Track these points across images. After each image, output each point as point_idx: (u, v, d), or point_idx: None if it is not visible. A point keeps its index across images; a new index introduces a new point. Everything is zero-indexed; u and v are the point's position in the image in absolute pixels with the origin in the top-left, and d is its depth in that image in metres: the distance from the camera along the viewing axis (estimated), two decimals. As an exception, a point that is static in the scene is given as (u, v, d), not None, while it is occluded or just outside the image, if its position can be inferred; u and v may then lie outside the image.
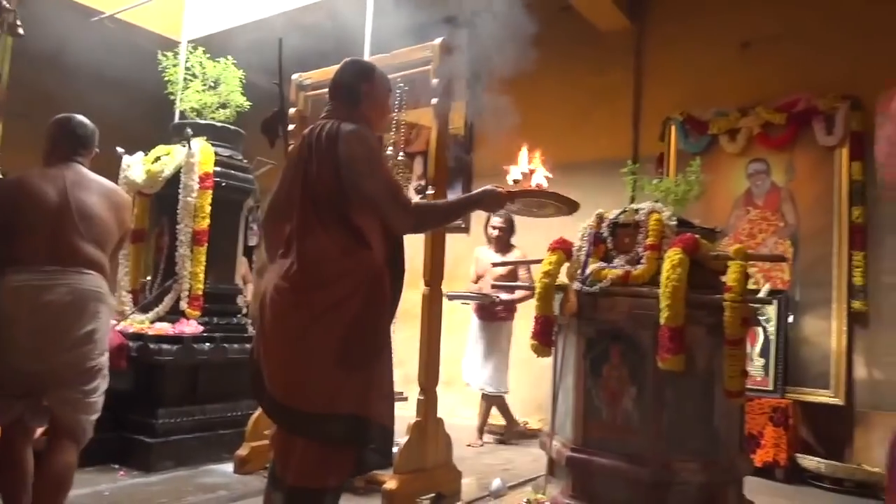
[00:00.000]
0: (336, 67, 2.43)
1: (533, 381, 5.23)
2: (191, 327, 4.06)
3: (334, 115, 2.25)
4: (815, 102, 4.72)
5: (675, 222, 2.76)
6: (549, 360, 2.99)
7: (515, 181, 2.49)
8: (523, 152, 2.60)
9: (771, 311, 4.65)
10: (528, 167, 2.57)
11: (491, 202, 2.31)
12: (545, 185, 2.52)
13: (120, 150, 4.46)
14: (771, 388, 4.53)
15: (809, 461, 4.22)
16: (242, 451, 3.71)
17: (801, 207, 4.80)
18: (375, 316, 2.11)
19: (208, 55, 4.65)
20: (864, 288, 4.49)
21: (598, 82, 5.67)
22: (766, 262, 4.80)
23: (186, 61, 4.71)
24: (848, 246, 4.56)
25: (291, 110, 3.96)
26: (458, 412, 5.59)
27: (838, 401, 4.43)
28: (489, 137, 5.98)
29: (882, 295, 4.44)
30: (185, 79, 4.66)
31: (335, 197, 2.11)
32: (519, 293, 4.77)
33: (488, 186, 2.30)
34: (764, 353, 4.63)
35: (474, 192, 2.34)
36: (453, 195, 6.03)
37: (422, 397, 3.37)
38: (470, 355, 5.05)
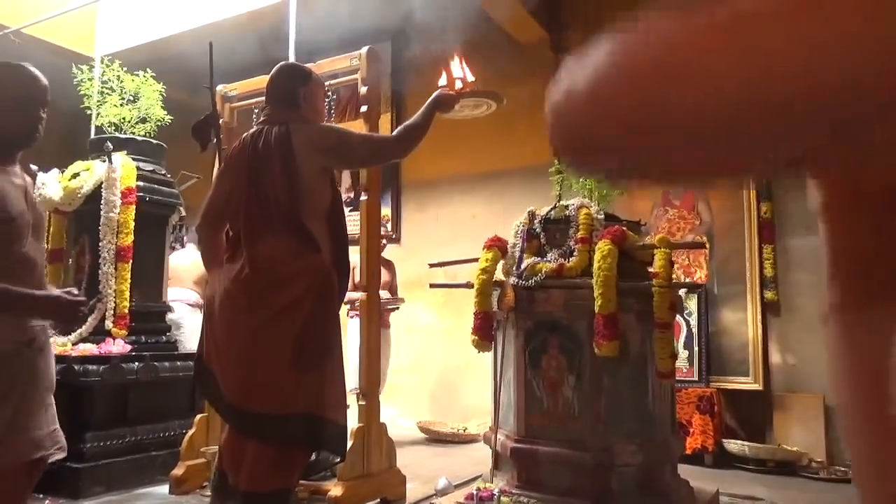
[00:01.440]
0: (263, 77, 2.44)
1: (480, 387, 5.30)
2: (118, 347, 3.90)
3: (274, 120, 2.25)
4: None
5: (602, 216, 2.89)
6: (484, 368, 3.06)
7: (441, 87, 2.65)
8: (455, 61, 2.75)
9: (692, 305, 4.89)
10: (461, 74, 2.71)
11: (445, 103, 2.48)
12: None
13: (33, 167, 4.26)
14: (696, 377, 4.75)
15: (734, 445, 4.44)
16: (178, 471, 3.59)
17: (715, 205, 5.07)
18: (326, 316, 2.14)
19: (125, 69, 4.52)
20: (775, 279, 4.78)
21: (519, 92, 5.81)
22: (687, 259, 5.04)
23: (102, 75, 4.56)
24: (758, 240, 4.85)
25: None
26: (398, 423, 5.57)
27: (757, 386, 4.69)
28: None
29: (791, 284, 4.73)
30: (101, 93, 4.51)
31: (285, 201, 2.12)
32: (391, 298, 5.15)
33: (438, 91, 2.49)
34: (688, 345, 4.85)
35: (430, 99, 2.45)
36: (385, 201, 6.09)
37: (363, 403, 3.35)
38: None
